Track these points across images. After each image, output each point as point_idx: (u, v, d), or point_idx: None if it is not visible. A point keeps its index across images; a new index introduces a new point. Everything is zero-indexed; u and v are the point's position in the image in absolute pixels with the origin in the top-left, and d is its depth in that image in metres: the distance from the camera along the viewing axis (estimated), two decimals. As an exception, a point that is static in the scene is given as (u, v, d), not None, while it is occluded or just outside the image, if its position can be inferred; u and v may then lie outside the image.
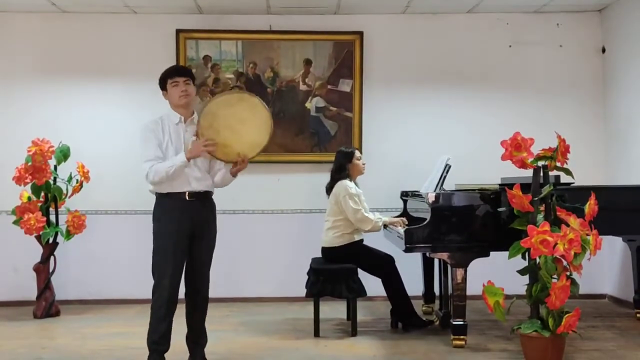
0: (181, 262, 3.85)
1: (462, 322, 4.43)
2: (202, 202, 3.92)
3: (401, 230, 4.66)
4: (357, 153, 5.17)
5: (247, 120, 3.90)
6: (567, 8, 6.19)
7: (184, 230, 3.82)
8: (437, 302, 5.48)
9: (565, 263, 3.93)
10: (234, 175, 4.01)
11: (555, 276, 3.93)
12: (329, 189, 5.11)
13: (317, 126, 6.24)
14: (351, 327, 4.86)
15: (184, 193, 3.85)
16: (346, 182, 4.99)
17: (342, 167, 5.09)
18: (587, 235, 3.95)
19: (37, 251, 5.63)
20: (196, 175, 3.88)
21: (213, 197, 4.04)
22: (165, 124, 3.90)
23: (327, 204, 5.14)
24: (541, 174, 4.08)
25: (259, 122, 3.92)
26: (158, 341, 3.80)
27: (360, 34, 6.21)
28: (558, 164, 4.05)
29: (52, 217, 5.66)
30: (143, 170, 3.81)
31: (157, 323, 3.80)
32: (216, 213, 4.04)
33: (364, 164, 5.20)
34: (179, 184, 3.84)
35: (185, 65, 6.03)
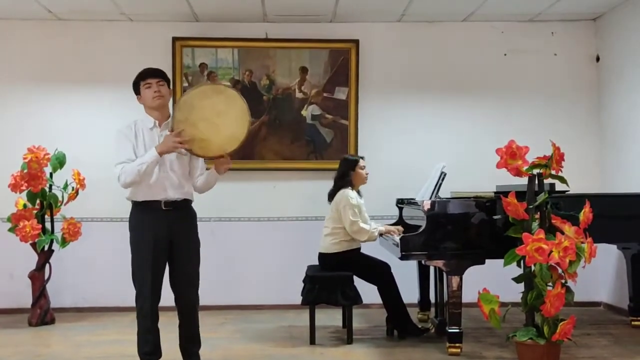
0: (161, 271, 3.79)
1: (457, 330, 4.43)
2: (180, 211, 3.82)
3: (397, 238, 4.67)
4: (361, 162, 5.14)
5: (224, 113, 3.69)
6: (561, 17, 6.23)
7: (162, 240, 3.74)
8: (432, 309, 5.48)
9: (560, 271, 3.94)
10: (221, 172, 3.84)
11: (550, 284, 3.94)
12: (332, 195, 5.10)
13: (313, 134, 6.25)
14: (347, 335, 4.86)
15: (160, 202, 3.75)
16: (348, 192, 4.98)
17: (345, 174, 5.08)
18: (582, 243, 3.96)
19: (32, 258, 5.62)
20: (173, 182, 3.78)
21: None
22: (139, 128, 3.81)
23: (323, 211, 5.14)
24: (536, 181, 4.10)
25: (237, 114, 3.72)
26: (149, 352, 3.78)
27: (356, 42, 6.23)
28: (553, 172, 4.07)
29: (48, 225, 5.65)
30: (115, 174, 3.71)
31: (145, 334, 3.78)
32: (196, 222, 3.94)
33: (367, 174, 5.18)
34: (155, 192, 3.74)
35: (182, 73, 6.06)
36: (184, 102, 3.68)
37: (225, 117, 3.72)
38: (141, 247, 3.75)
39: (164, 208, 3.76)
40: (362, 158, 5.21)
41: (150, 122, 3.84)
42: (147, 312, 3.75)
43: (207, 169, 3.98)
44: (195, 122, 3.67)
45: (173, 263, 3.83)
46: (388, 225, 5.35)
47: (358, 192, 5.12)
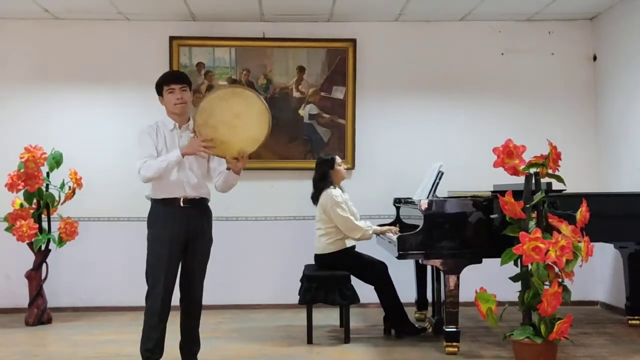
0: (175, 268, 3.84)
1: (454, 329, 4.43)
2: (197, 209, 3.88)
3: (394, 237, 4.67)
4: (337, 159, 5.16)
5: (243, 115, 3.78)
6: (559, 16, 6.23)
7: (178, 236, 3.80)
8: (429, 308, 5.49)
9: (557, 270, 3.94)
10: (238, 173, 3.89)
11: (547, 283, 3.94)
12: (315, 198, 5.11)
13: (311, 133, 6.25)
14: (344, 334, 4.86)
15: (179, 199, 3.82)
16: (331, 191, 4.98)
17: (325, 174, 5.08)
18: (579, 242, 3.97)
19: (29, 258, 5.61)
20: (192, 181, 3.85)
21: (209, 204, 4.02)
22: (160, 129, 3.88)
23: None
24: (533, 181, 4.10)
25: (256, 115, 3.81)
26: (151, 349, 3.78)
27: (353, 41, 6.23)
28: (550, 171, 4.07)
29: (45, 224, 5.64)
30: (135, 168, 3.76)
31: (150, 331, 3.79)
32: (212, 220, 4.00)
33: (345, 169, 5.21)
34: (174, 190, 3.81)
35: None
36: (203, 107, 3.74)
37: (244, 119, 3.79)
38: (158, 243, 3.80)
39: (182, 205, 3.82)
40: (337, 155, 5.25)
41: (170, 124, 3.91)
42: (156, 309, 3.76)
43: (227, 168, 4.00)
44: (216, 126, 3.74)
45: (186, 260, 3.88)
46: (384, 225, 5.35)
47: (340, 188, 5.12)
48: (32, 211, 5.58)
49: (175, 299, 3.88)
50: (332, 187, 5.03)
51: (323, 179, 5.08)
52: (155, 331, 3.78)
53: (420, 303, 5.64)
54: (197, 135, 3.75)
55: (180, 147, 3.79)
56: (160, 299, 3.76)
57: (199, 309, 4.00)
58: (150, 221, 3.88)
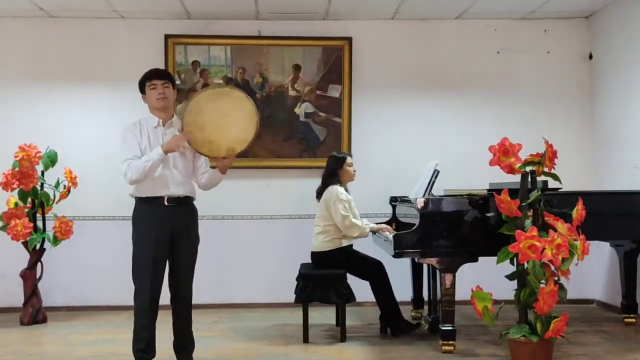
0: (161, 267, 3.83)
1: (450, 328, 4.43)
2: (182, 208, 3.87)
3: (390, 235, 4.66)
4: (348, 159, 5.17)
5: (231, 115, 3.83)
6: (554, 15, 6.23)
7: (164, 235, 3.79)
8: (426, 307, 5.48)
9: (553, 268, 3.95)
10: (223, 172, 3.93)
11: (543, 281, 3.94)
12: (320, 193, 5.11)
13: (306, 132, 6.24)
14: (340, 333, 4.85)
15: (163, 198, 3.81)
16: (337, 188, 4.99)
17: (334, 172, 5.09)
18: (575, 240, 3.97)
19: (24, 257, 5.58)
20: (176, 179, 3.84)
21: (199, 202, 4.00)
22: (143, 127, 3.88)
23: (316, 209, 5.13)
24: (529, 179, 4.11)
25: (244, 116, 3.85)
26: (144, 349, 3.79)
27: (349, 39, 6.22)
28: (546, 169, 4.07)
29: (39, 223, 5.62)
30: (122, 171, 3.77)
31: (140, 331, 3.79)
32: (198, 219, 4.00)
33: (354, 171, 5.21)
34: (158, 188, 3.80)
35: (174, 70, 6.03)
36: (192, 106, 3.79)
37: (232, 119, 3.84)
38: (143, 242, 3.80)
39: (166, 204, 3.81)
40: (349, 155, 5.25)
41: (154, 121, 3.91)
42: (145, 308, 3.77)
43: (211, 167, 4.03)
44: (203, 125, 3.79)
45: (173, 259, 3.87)
46: (380, 223, 5.34)
47: (346, 189, 5.12)
48: (26, 210, 5.56)
49: (167, 298, 3.87)
50: (338, 184, 5.03)
51: (331, 176, 5.08)
52: (145, 331, 3.79)
53: (417, 301, 5.64)
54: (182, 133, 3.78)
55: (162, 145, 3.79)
56: (148, 298, 3.76)
57: (189, 308, 3.98)
58: (135, 220, 3.88)
